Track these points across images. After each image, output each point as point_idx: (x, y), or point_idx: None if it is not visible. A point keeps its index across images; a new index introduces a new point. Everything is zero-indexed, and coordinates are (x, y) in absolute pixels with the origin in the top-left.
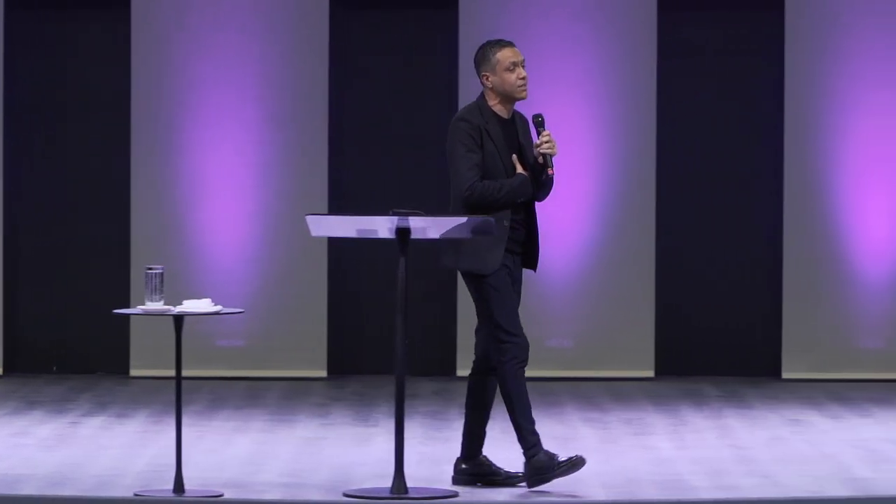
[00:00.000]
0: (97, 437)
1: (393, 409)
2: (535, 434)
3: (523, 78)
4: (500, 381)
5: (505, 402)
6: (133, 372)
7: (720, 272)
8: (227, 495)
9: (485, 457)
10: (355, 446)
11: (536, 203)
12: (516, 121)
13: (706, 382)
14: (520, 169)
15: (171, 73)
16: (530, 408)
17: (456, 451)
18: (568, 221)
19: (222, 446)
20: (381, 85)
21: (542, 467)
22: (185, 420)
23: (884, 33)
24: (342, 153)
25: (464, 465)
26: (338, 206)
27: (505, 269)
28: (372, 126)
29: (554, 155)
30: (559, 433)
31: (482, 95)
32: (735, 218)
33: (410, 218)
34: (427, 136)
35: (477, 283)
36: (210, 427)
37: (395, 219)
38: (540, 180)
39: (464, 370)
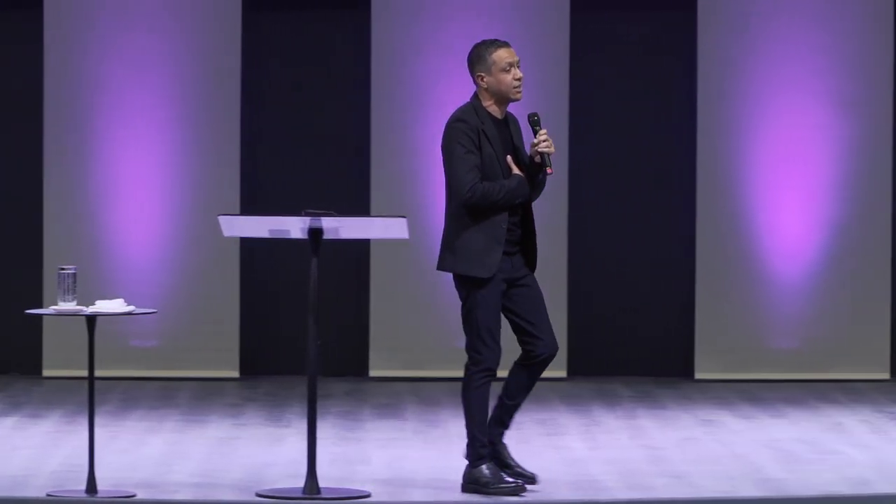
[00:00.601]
0: (10, 438)
1: (305, 410)
2: (486, 447)
3: (519, 79)
4: (463, 388)
5: (464, 410)
6: (46, 372)
7: (633, 272)
8: (140, 495)
9: (504, 445)
10: (268, 446)
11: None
12: (509, 121)
13: (619, 383)
14: (515, 170)
15: (83, 73)
16: (486, 421)
17: (368, 451)
18: None
19: (135, 446)
20: (294, 85)
21: (479, 479)
22: (97, 420)
23: (795, 33)
24: (254, 153)
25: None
26: (250, 206)
27: (500, 274)
28: (284, 126)
29: (552, 153)
30: None
31: (475, 96)
32: (647, 217)
33: (323, 218)
34: (339, 137)
35: (468, 288)
36: (123, 427)
37: (307, 219)
38: (536, 180)
39: (376, 370)
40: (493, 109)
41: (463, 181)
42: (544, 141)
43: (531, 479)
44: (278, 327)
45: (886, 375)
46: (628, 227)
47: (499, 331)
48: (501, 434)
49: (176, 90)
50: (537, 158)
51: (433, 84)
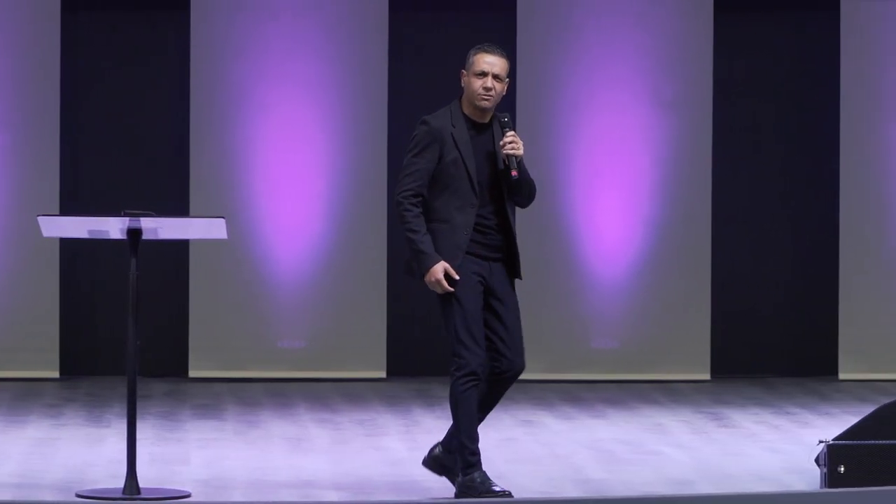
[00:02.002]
0: None
1: (125, 410)
2: (476, 454)
3: (487, 88)
4: (450, 393)
5: (452, 416)
6: None
7: None
8: None
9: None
10: (88, 447)
11: (523, 208)
12: (493, 125)
13: (437, 383)
14: (434, 264)
15: None
16: (475, 427)
17: (188, 451)
18: (299, 222)
19: None
20: (113, 85)
21: (472, 487)
22: None
23: (615, 33)
24: (74, 153)
25: (437, 451)
26: (70, 206)
27: (475, 277)
28: (104, 127)
29: (519, 157)
30: (292, 434)
31: (459, 96)
32: None
33: (142, 219)
34: (159, 137)
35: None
36: None
37: (126, 220)
38: (509, 182)
39: (196, 371)
40: (470, 111)
41: (399, 184)
42: (510, 143)
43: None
44: (98, 328)
45: (707, 376)
46: None
47: (480, 332)
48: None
49: None
50: (505, 161)
51: (253, 85)
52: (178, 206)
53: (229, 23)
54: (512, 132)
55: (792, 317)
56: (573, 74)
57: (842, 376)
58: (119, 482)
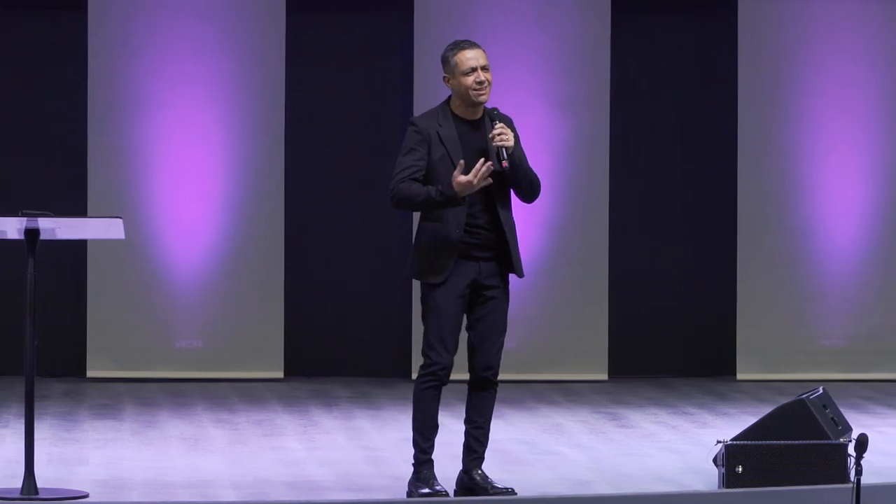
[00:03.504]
0: None
1: (23, 410)
2: (425, 453)
3: (480, 82)
4: (414, 391)
5: (412, 414)
6: None
7: (349, 269)
8: None
9: (478, 473)
10: None
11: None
12: (485, 121)
13: (336, 383)
14: (464, 178)
15: None
16: (432, 428)
17: (86, 451)
18: (197, 221)
19: None
20: (10, 84)
21: (410, 482)
22: None
23: (514, 33)
24: None
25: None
26: None
27: (461, 279)
28: (0, 125)
29: (508, 148)
30: (189, 434)
31: (447, 98)
32: (365, 218)
33: (39, 219)
34: (56, 137)
35: (424, 291)
36: None
37: (23, 220)
38: (503, 175)
39: (94, 371)
40: (462, 111)
41: (392, 180)
42: (498, 134)
43: (511, 491)
44: None
45: (604, 376)
46: (345, 226)
47: (453, 338)
48: (473, 461)
49: None
50: (498, 153)
51: (150, 84)
52: (76, 206)
53: (126, 22)
54: (501, 124)
55: (690, 317)
56: None
57: (740, 376)
58: (17, 482)
